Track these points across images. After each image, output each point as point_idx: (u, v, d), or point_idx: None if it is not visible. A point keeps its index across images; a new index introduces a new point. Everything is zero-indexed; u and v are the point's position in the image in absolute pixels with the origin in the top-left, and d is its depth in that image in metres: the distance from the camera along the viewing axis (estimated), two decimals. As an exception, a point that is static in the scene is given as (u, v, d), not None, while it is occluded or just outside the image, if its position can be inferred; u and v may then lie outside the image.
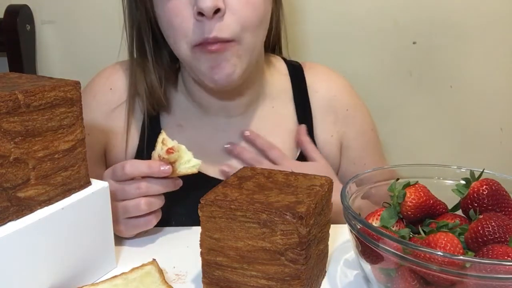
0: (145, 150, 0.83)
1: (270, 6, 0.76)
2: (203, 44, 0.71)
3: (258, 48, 0.77)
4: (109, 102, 0.84)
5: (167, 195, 0.70)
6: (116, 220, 0.65)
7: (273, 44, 0.90)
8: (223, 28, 0.69)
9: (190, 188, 0.71)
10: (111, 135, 0.84)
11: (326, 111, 0.88)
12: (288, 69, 0.90)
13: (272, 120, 0.86)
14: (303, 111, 0.87)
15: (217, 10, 0.68)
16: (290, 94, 0.88)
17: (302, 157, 0.85)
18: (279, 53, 0.93)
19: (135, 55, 0.83)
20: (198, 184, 0.72)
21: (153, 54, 0.80)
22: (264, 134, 0.84)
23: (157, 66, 0.81)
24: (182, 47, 0.73)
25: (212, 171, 0.82)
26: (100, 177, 0.84)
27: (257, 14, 0.72)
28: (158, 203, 0.67)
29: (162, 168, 0.64)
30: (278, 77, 0.89)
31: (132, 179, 0.66)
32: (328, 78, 0.90)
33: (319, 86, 0.88)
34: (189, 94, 0.85)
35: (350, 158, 0.90)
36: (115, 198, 0.65)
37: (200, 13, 0.68)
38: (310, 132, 0.86)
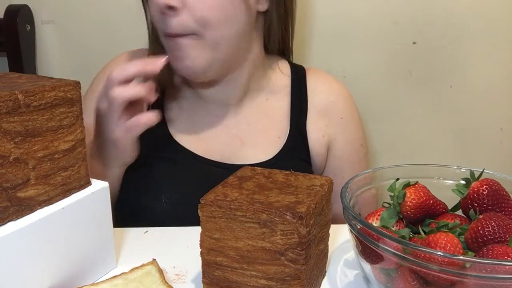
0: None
1: (239, 4, 0.76)
2: (167, 36, 0.75)
3: (226, 44, 0.77)
4: None
5: (158, 175, 0.76)
6: (112, 125, 0.67)
7: (279, 48, 0.91)
8: (178, 23, 0.72)
9: (181, 167, 0.75)
10: None
11: (322, 114, 0.90)
12: (291, 70, 0.92)
13: (264, 110, 0.89)
14: (298, 107, 0.89)
15: (171, 7, 0.71)
16: (288, 90, 0.90)
17: (286, 148, 0.86)
18: (287, 57, 0.95)
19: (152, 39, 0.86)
20: (189, 163, 0.79)
21: None
22: (253, 122, 0.88)
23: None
24: (160, 35, 0.77)
25: (204, 152, 0.85)
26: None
27: (214, 12, 0.73)
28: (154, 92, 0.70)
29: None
30: (279, 75, 0.91)
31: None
32: (330, 85, 0.92)
33: (320, 90, 0.91)
34: (188, 81, 0.88)
35: (332, 167, 0.91)
36: (111, 111, 0.68)
37: None
38: (303, 128, 0.88)
